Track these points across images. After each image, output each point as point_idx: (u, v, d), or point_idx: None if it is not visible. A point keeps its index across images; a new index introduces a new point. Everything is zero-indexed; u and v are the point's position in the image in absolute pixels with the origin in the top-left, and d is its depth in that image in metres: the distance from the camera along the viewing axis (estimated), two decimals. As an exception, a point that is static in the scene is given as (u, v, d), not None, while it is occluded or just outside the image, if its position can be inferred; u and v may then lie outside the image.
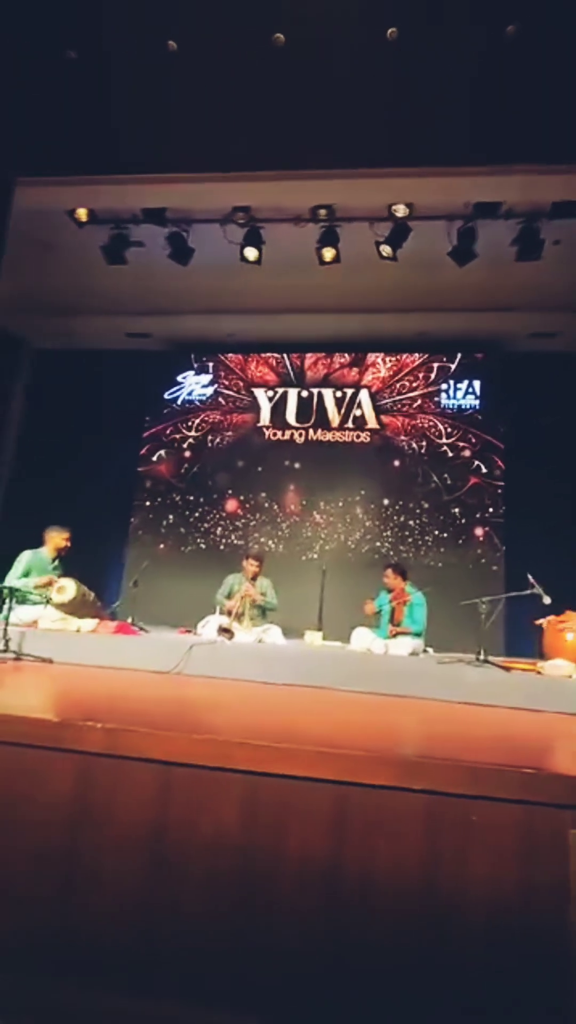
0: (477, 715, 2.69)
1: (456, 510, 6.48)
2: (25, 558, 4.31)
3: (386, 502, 6.65)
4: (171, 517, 7.01)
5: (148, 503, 7.08)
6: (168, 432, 7.20)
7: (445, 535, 6.46)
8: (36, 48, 3.81)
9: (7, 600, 3.37)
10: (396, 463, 6.72)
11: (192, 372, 7.23)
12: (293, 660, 3.55)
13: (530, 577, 3.85)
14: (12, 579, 4.11)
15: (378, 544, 6.58)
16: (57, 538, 4.46)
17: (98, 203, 5.17)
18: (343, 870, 1.42)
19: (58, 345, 7.28)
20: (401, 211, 4.97)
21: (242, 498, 6.93)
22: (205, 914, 1.45)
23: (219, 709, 2.44)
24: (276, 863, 1.45)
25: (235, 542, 6.80)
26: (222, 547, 6.83)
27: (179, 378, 7.23)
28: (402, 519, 6.59)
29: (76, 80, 3.95)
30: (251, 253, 5.35)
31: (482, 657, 3.61)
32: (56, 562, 4.47)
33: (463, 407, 6.69)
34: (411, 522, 6.57)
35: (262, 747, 1.54)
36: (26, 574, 4.24)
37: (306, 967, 1.40)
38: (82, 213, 5.25)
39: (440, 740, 2.14)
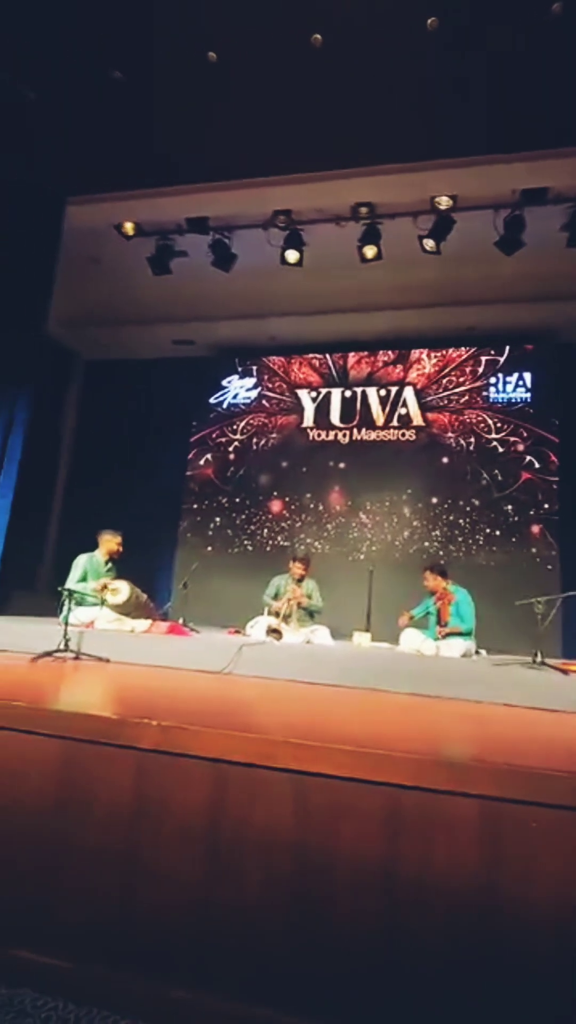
0: (534, 719, 2.61)
1: (509, 507, 6.28)
2: (81, 562, 4.49)
3: (434, 500, 6.52)
4: (218, 519, 7.13)
5: (196, 506, 7.23)
6: (214, 436, 7.33)
7: (497, 533, 6.27)
8: (83, 72, 3.97)
9: (66, 602, 3.51)
10: (444, 461, 6.59)
11: (236, 376, 7.34)
12: (342, 661, 3.54)
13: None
14: (71, 582, 4.29)
15: (426, 544, 6.46)
16: (110, 541, 4.62)
17: (144, 216, 5.34)
18: (398, 872, 1.41)
19: (107, 355, 7.55)
20: (444, 203, 4.88)
21: (287, 499, 6.97)
22: (261, 911, 1.48)
23: (269, 709, 2.47)
24: (330, 862, 1.46)
25: (281, 543, 6.85)
26: (268, 548, 6.89)
27: (224, 382, 7.35)
28: (451, 518, 6.45)
29: (121, 99, 4.10)
30: (292, 255, 5.39)
31: (539, 659, 3.49)
32: (110, 565, 4.63)
33: (513, 401, 6.48)
34: (461, 521, 6.42)
35: (313, 747, 1.55)
36: (83, 577, 4.41)
37: (363, 965, 1.40)
38: (129, 227, 5.44)
39: (495, 744, 2.08)
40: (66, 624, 3.44)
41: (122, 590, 4.31)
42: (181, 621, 4.68)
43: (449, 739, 2.11)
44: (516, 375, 6.51)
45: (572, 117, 3.96)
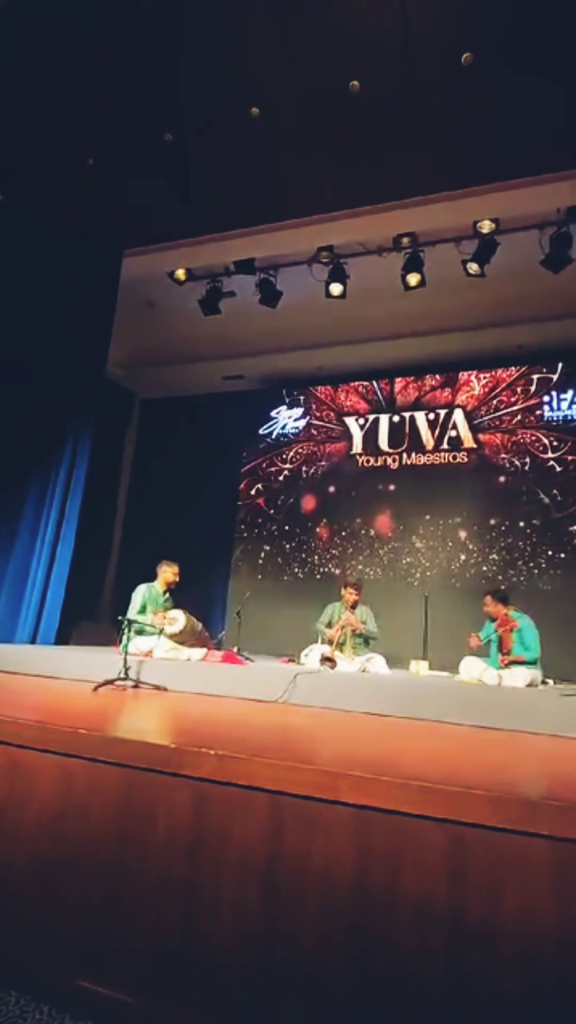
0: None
1: (574, 528, 6.00)
2: (141, 592, 4.63)
3: (492, 523, 6.33)
4: (269, 548, 7.19)
5: (248, 535, 7.34)
6: (264, 466, 7.47)
7: (562, 555, 5.99)
8: (137, 136, 4.30)
9: (126, 631, 3.63)
10: (498, 482, 6.41)
11: (285, 407, 7.48)
12: (399, 690, 3.45)
13: None
14: (131, 612, 4.43)
15: (484, 568, 6.26)
16: (168, 572, 4.76)
17: (194, 262, 5.64)
18: (465, 913, 1.35)
19: (161, 393, 7.90)
20: (487, 227, 4.89)
21: (338, 526, 6.96)
22: (321, 948, 1.44)
23: (326, 739, 2.43)
24: (391, 899, 1.41)
25: (332, 570, 6.81)
26: (319, 576, 6.87)
27: (273, 413, 7.51)
28: (509, 540, 6.23)
29: (172, 158, 4.39)
30: (336, 288, 5.51)
31: (611, 690, 3.27)
32: (167, 595, 4.75)
33: (570, 418, 6.26)
34: (520, 543, 6.18)
35: (370, 780, 1.52)
36: (143, 607, 4.55)
37: (427, 1007, 1.33)
38: (180, 273, 5.74)
39: (566, 781, 1.96)
40: (126, 653, 3.54)
41: (179, 619, 4.40)
42: (235, 650, 4.72)
43: (516, 775, 2.00)
44: (572, 391, 6.30)
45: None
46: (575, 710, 3.03)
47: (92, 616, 6.57)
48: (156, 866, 1.66)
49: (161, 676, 3.60)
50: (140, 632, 4.30)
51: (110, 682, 3.38)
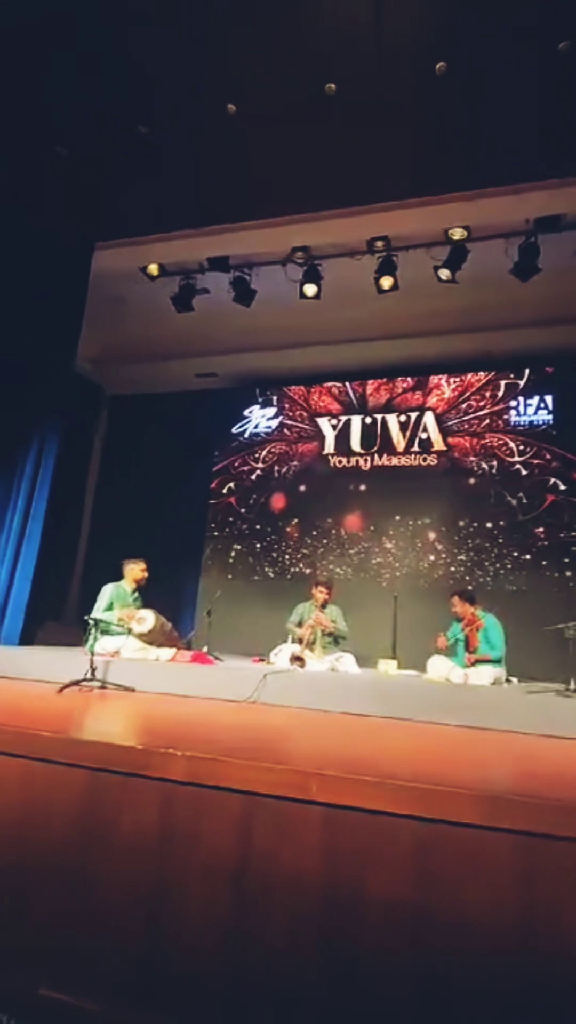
0: (567, 749, 2.51)
1: (539, 530, 6.17)
2: (108, 591, 4.55)
3: (460, 524, 6.45)
4: (241, 547, 7.16)
5: (219, 534, 7.29)
6: (236, 465, 7.43)
7: (526, 557, 6.15)
8: (111, 127, 4.22)
9: (92, 631, 3.55)
10: (467, 485, 6.54)
11: (257, 406, 7.46)
12: (368, 689, 3.48)
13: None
14: (97, 612, 4.34)
15: (452, 569, 6.37)
16: (135, 569, 4.68)
17: (167, 258, 5.57)
18: (430, 911, 1.36)
19: (132, 390, 7.78)
20: (458, 234, 4.98)
21: (309, 526, 6.98)
22: (289, 949, 1.43)
23: (295, 738, 2.43)
24: (359, 898, 1.42)
25: (303, 570, 6.83)
26: (289, 576, 6.87)
27: (245, 412, 7.48)
28: (477, 542, 6.36)
29: (147, 151, 4.32)
30: (310, 289, 5.52)
31: (572, 687, 3.38)
32: (136, 594, 4.68)
33: (535, 423, 6.43)
34: (487, 545, 6.32)
35: (341, 779, 1.52)
36: (110, 606, 4.46)
37: (393, 1007, 1.34)
38: (153, 268, 5.66)
39: (530, 776, 2.01)
40: (92, 654, 3.47)
41: (147, 619, 4.34)
42: (205, 649, 4.68)
43: (482, 771, 2.04)
44: (537, 397, 6.48)
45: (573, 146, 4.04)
46: (538, 707, 3.12)
47: (58, 616, 6.42)
48: (122, 870, 1.63)
49: (129, 676, 3.54)
50: (107, 632, 4.22)
51: (76, 683, 3.30)
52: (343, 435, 7.08)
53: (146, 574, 4.71)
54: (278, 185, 4.48)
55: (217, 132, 4.18)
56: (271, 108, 3.99)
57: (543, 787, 1.74)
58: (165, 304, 5.94)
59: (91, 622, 3.62)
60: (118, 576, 4.69)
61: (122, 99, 4.02)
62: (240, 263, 5.59)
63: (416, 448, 6.79)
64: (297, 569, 6.89)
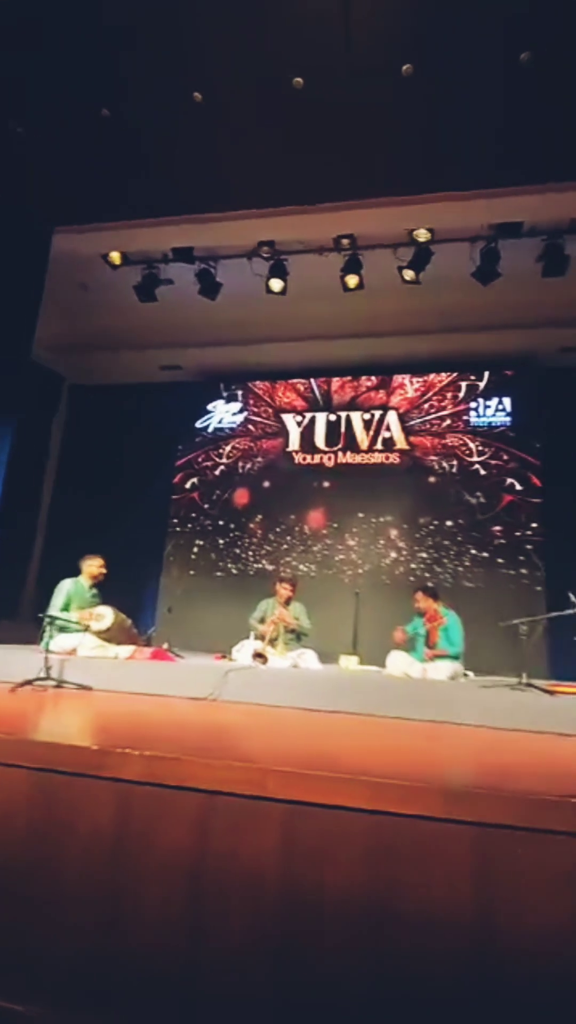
0: (521, 742, 2.59)
1: (497, 528, 6.35)
2: (65, 587, 4.41)
3: (421, 522, 6.57)
4: (203, 543, 7.09)
5: (181, 530, 7.20)
6: (200, 460, 7.35)
7: (484, 555, 6.32)
8: (72, 108, 4.08)
9: (48, 629, 3.45)
10: (427, 484, 6.66)
11: (222, 401, 7.40)
12: (329, 685, 3.50)
13: (571, 596, 3.72)
14: (54, 609, 4.21)
15: (413, 566, 6.48)
16: (92, 565, 4.56)
17: (130, 246, 5.44)
18: (389, 904, 1.38)
19: (93, 380, 7.58)
20: (423, 236, 5.05)
21: (272, 523, 6.97)
22: (246, 948, 1.42)
23: (256, 736, 2.42)
24: (318, 896, 1.42)
25: (266, 567, 6.82)
26: (252, 572, 6.85)
27: (209, 407, 7.40)
28: (437, 539, 6.49)
29: (109, 134, 4.20)
30: (276, 284, 5.50)
31: (524, 681, 3.49)
32: (94, 590, 4.56)
33: (494, 425, 6.61)
34: (447, 543, 6.46)
35: (300, 775, 1.52)
36: (66, 603, 4.33)
37: (352, 1003, 1.35)
38: (115, 256, 5.52)
39: (484, 768, 2.06)
40: (47, 652, 3.37)
41: (106, 616, 4.24)
42: (166, 647, 4.61)
43: (438, 764, 2.08)
44: (496, 400, 6.66)
45: (541, 156, 4.15)
46: (494, 701, 3.21)
47: (12, 614, 6.21)
48: (76, 871, 1.58)
49: (86, 675, 3.45)
50: (63, 629, 4.10)
51: (29, 682, 3.19)
52: (308, 432, 7.10)
53: (104, 570, 4.59)
54: (244, 178, 4.43)
55: (183, 120, 4.09)
56: (238, 99, 3.94)
57: (498, 779, 1.79)
58: (129, 293, 5.81)
59: (47, 620, 3.51)
60: (77, 572, 4.56)
61: (84, 78, 3.89)
62: (205, 255, 5.52)
63: (379, 446, 6.87)
64: (260, 566, 6.88)
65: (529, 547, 6.21)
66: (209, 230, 4.96)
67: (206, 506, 7.20)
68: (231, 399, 7.39)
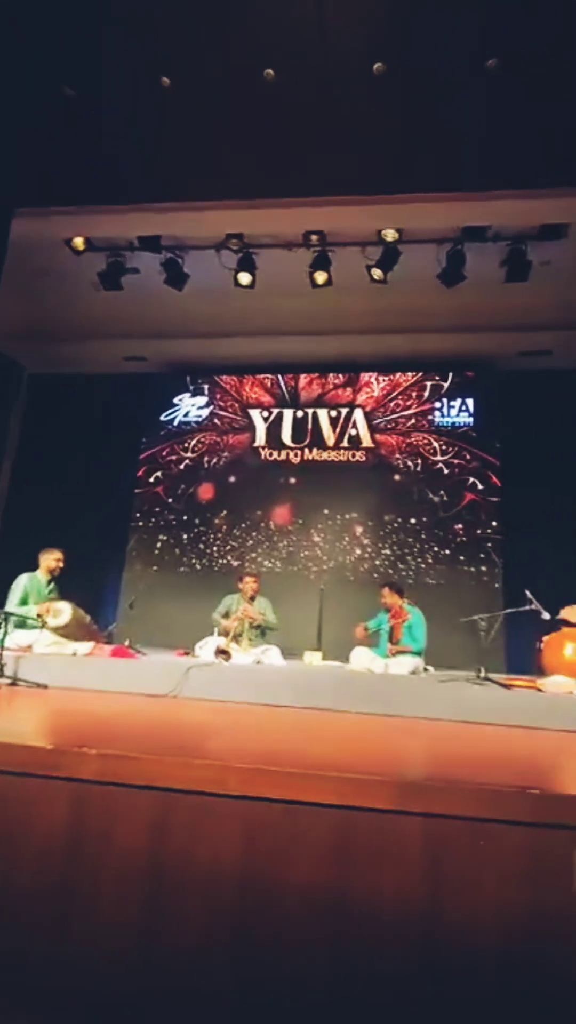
0: (479, 734, 2.66)
1: (458, 527, 6.48)
2: (21, 582, 4.28)
3: (386, 519, 6.66)
4: (167, 538, 7.00)
5: (144, 524, 7.08)
6: (165, 454, 7.24)
7: (446, 552, 6.45)
8: (36, 85, 3.92)
9: (3, 625, 3.34)
10: (392, 482, 6.75)
11: (188, 394, 7.30)
12: (292, 681, 3.51)
13: (528, 593, 3.84)
14: (10, 605, 4.08)
15: (377, 563, 6.56)
16: (49, 559, 4.44)
17: (95, 232, 5.28)
18: (347, 899, 1.39)
19: (55, 369, 7.35)
20: (391, 236, 5.09)
21: (238, 518, 6.94)
22: (204, 948, 1.41)
23: (217, 733, 2.40)
24: (277, 893, 1.42)
25: (232, 563, 6.78)
26: (216, 568, 6.81)
27: (175, 400, 7.30)
28: (401, 537, 6.59)
29: (74, 115, 4.06)
30: (244, 278, 5.45)
31: (482, 675, 3.58)
32: (52, 584, 4.44)
33: (457, 425, 6.75)
34: (410, 540, 6.57)
35: (261, 771, 1.51)
36: (24, 599, 4.20)
37: (309, 1003, 1.36)
38: (79, 242, 5.35)
39: (443, 761, 2.11)
40: (2, 648, 3.26)
41: (64, 611, 4.13)
42: (127, 643, 4.53)
43: (397, 758, 2.11)
44: (459, 400, 6.79)
45: (509, 163, 4.24)
46: (452, 695, 3.28)
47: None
48: (30, 872, 1.54)
49: (43, 672, 3.35)
50: (21, 625, 3.98)
51: (-18, 680, 3.08)
52: (274, 428, 7.08)
53: (61, 564, 4.48)
54: (213, 168, 4.35)
55: (149, 104, 4.00)
56: (207, 87, 3.87)
57: (452, 770, 1.83)
58: (93, 281, 5.65)
59: (2, 616, 3.39)
60: (35, 568, 4.43)
61: (47, 55, 3.75)
62: (172, 244, 5.41)
63: (346, 444, 6.92)
64: (225, 561, 6.83)
65: (489, 545, 6.37)
66: (176, 219, 4.86)
67: (170, 500, 7.10)
68: (197, 393, 7.30)
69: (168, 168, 4.40)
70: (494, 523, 6.42)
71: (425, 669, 4.43)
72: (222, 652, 4.35)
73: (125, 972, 1.43)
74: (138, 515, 7.11)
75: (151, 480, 7.18)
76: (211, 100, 3.94)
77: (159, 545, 6.99)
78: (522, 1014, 1.29)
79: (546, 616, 3.75)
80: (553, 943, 1.31)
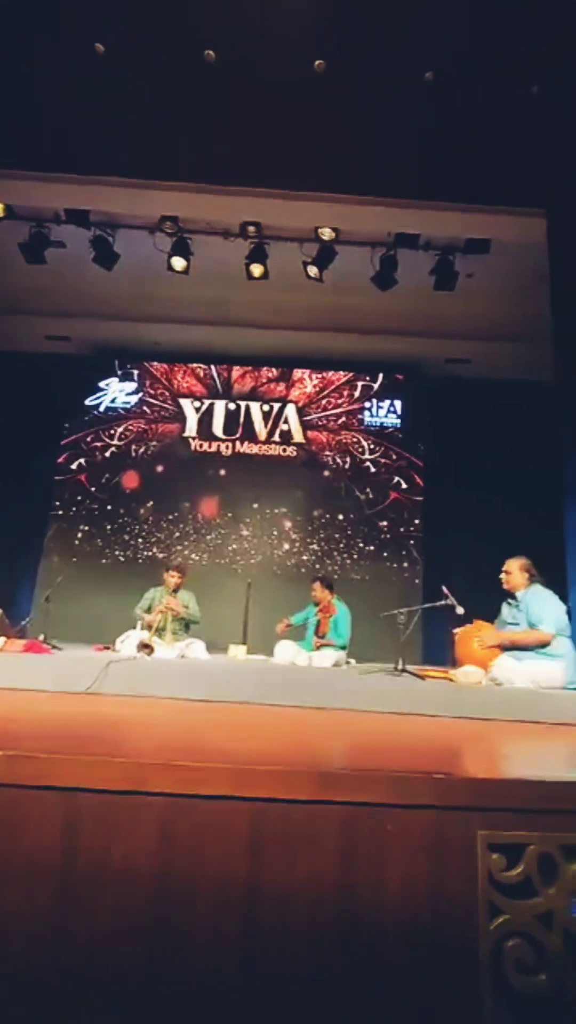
0: (396, 724, 2.76)
1: (383, 524, 6.69)
2: None
3: (315, 514, 6.75)
4: (89, 528, 6.71)
5: (65, 513, 6.75)
6: (89, 440, 6.93)
7: (371, 548, 6.64)
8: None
9: None
10: (321, 478, 6.86)
11: (116, 379, 7.02)
12: (215, 675, 3.48)
13: (444, 588, 4.03)
14: None
15: (305, 558, 6.65)
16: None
17: (17, 199, 4.94)
18: (260, 890, 1.39)
19: (-32, 344, 6.82)
20: (327, 234, 5.14)
21: (164, 509, 6.78)
22: (117, 948, 1.37)
23: (135, 729, 2.33)
24: (193, 889, 1.40)
25: (157, 555, 6.62)
26: (141, 560, 6.62)
27: (102, 384, 7.00)
28: (328, 532, 6.72)
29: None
30: (178, 263, 5.31)
31: (400, 667, 3.72)
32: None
33: (385, 425, 6.96)
34: (337, 535, 6.71)
35: (178, 767, 1.48)
36: None
37: (219, 996, 1.35)
38: (-1, 207, 4.99)
39: (360, 751, 2.17)
40: None
41: (-28, 604, 3.85)
42: (41, 638, 4.30)
43: (315, 749, 2.15)
44: (388, 402, 7.01)
45: (440, 176, 4.41)
46: (372, 687, 3.39)
47: None
48: None
49: (-56, 670, 3.11)
50: None
51: None
52: (206, 419, 6.98)
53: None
54: (146, 144, 4.21)
55: (83, 71, 3.79)
56: (143, 58, 3.73)
57: (370, 759, 1.88)
58: (14, 252, 5.28)
59: None
60: None
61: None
62: (102, 221, 5.17)
63: (277, 438, 6.94)
64: (150, 553, 6.66)
65: (411, 542, 6.64)
66: (106, 194, 4.64)
67: (93, 489, 6.81)
68: (126, 378, 7.04)
69: (100, 139, 4.20)
70: (416, 521, 6.69)
71: (348, 662, 4.54)
72: (145, 646, 4.23)
73: (36, 974, 1.36)
74: (58, 503, 6.76)
75: (73, 467, 6.86)
76: (148, 73, 3.80)
77: (80, 535, 6.69)
78: (425, 989, 1.35)
79: (460, 611, 3.95)
80: (453, 918, 1.38)
